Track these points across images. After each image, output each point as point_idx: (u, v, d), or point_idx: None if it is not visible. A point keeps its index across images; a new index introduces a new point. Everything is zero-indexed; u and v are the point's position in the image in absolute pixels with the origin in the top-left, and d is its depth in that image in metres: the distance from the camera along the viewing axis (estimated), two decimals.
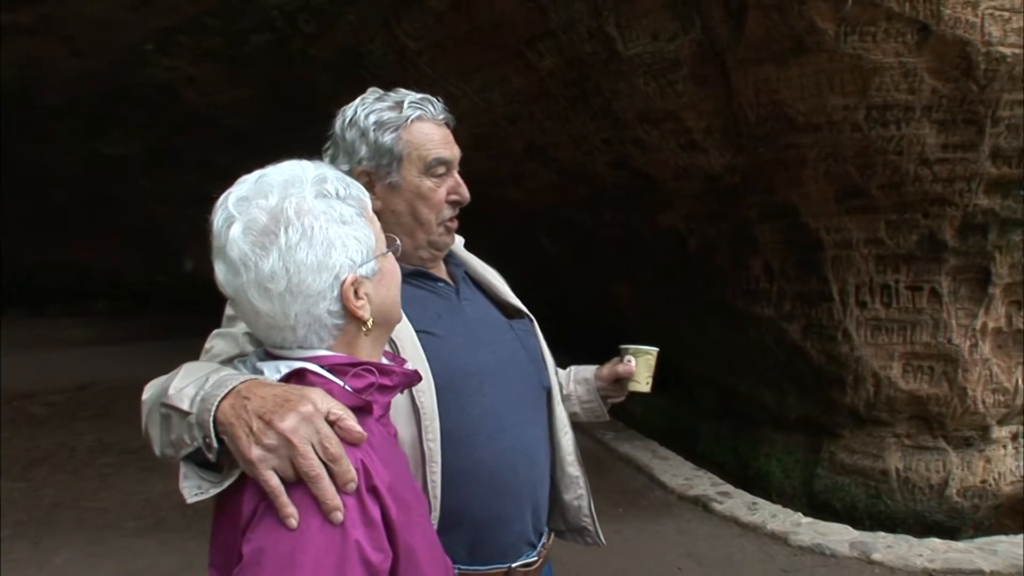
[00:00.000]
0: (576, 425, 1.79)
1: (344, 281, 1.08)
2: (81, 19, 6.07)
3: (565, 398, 1.79)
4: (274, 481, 0.96)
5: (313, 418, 0.97)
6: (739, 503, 5.05)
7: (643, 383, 1.87)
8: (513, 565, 1.51)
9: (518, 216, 7.42)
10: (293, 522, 0.95)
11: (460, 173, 1.60)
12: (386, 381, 1.14)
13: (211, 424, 1.00)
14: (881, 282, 4.93)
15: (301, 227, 1.05)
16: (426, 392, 1.39)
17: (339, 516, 0.96)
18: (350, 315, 1.10)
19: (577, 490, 1.68)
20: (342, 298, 1.08)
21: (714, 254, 5.75)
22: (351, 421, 1.01)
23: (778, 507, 4.99)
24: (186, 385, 1.07)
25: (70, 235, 11.29)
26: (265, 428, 0.96)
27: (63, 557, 4.27)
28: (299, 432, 0.96)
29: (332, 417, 0.99)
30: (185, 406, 1.04)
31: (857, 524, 4.93)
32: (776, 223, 5.19)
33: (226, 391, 1.02)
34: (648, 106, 4.98)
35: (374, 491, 1.01)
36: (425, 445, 1.38)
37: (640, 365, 1.87)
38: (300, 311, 1.07)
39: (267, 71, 6.63)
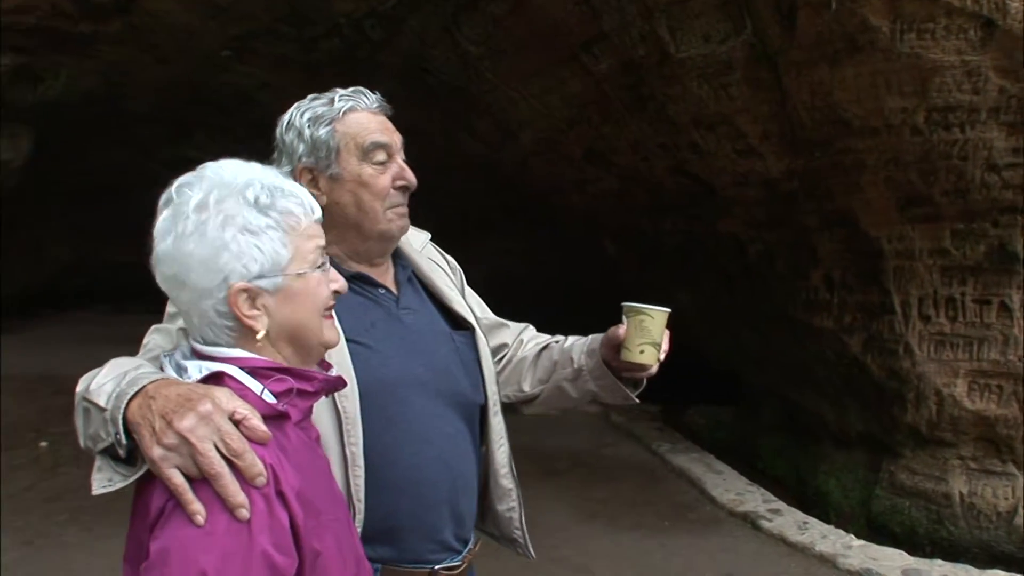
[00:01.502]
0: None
1: (232, 286, 1.08)
2: (165, 28, 6.36)
3: (576, 373, 1.67)
4: (177, 479, 0.98)
5: (212, 416, 0.99)
6: (789, 521, 4.85)
7: (635, 351, 1.47)
8: (436, 567, 1.51)
9: (582, 221, 7.37)
10: (200, 519, 0.97)
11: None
12: (306, 387, 1.15)
13: (120, 422, 1.03)
14: (946, 295, 4.66)
15: (197, 221, 1.08)
16: (349, 398, 1.39)
17: (244, 513, 0.97)
18: (239, 321, 1.11)
19: (510, 502, 1.68)
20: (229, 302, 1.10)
21: (774, 263, 5.56)
22: (256, 420, 1.02)
23: (829, 528, 4.76)
24: (107, 381, 1.11)
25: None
26: (166, 427, 0.99)
27: (113, 543, 4.42)
28: (197, 431, 0.98)
29: (237, 416, 1.01)
30: (102, 402, 1.07)
31: (917, 550, 4.66)
32: (836, 231, 4.98)
33: (136, 390, 1.05)
34: (702, 110, 4.88)
35: (281, 496, 1.02)
36: (347, 449, 1.39)
37: (631, 327, 1.47)
38: (188, 301, 1.11)
39: (337, 78, 6.71)
